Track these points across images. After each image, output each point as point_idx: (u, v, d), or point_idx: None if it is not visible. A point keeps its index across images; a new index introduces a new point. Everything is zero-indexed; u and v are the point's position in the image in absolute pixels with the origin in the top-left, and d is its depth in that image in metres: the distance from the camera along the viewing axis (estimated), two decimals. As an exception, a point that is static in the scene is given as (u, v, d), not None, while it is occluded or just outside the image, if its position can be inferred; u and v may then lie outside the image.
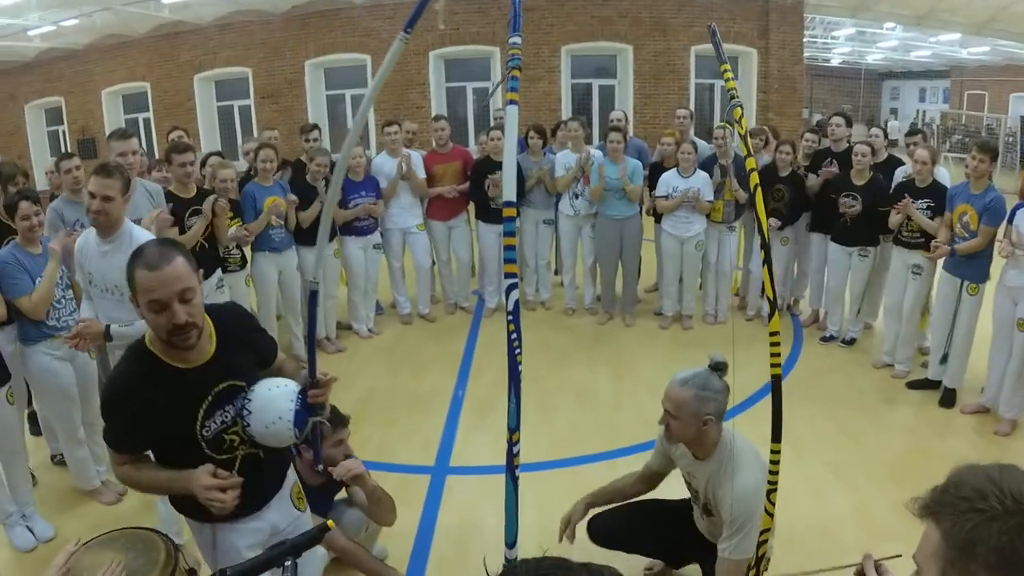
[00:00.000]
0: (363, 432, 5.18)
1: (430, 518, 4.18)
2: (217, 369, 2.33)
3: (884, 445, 4.88)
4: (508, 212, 2.49)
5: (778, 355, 2.39)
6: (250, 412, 2.33)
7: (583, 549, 3.13)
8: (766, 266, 2.43)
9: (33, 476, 4.39)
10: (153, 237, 3.40)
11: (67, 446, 4.40)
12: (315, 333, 2.64)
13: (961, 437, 5.04)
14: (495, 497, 3.12)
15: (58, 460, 4.81)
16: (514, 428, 2.55)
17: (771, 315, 2.44)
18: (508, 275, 2.56)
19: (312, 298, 2.71)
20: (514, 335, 2.45)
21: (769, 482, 2.48)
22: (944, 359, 5.58)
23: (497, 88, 3.28)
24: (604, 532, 3.35)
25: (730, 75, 2.49)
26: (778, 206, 6.69)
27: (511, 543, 2.64)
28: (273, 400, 2.35)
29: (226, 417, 2.35)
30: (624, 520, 3.35)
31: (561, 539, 3.14)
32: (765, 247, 2.47)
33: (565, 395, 5.81)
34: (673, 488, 3.35)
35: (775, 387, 2.40)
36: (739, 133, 2.43)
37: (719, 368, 2.85)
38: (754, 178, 2.48)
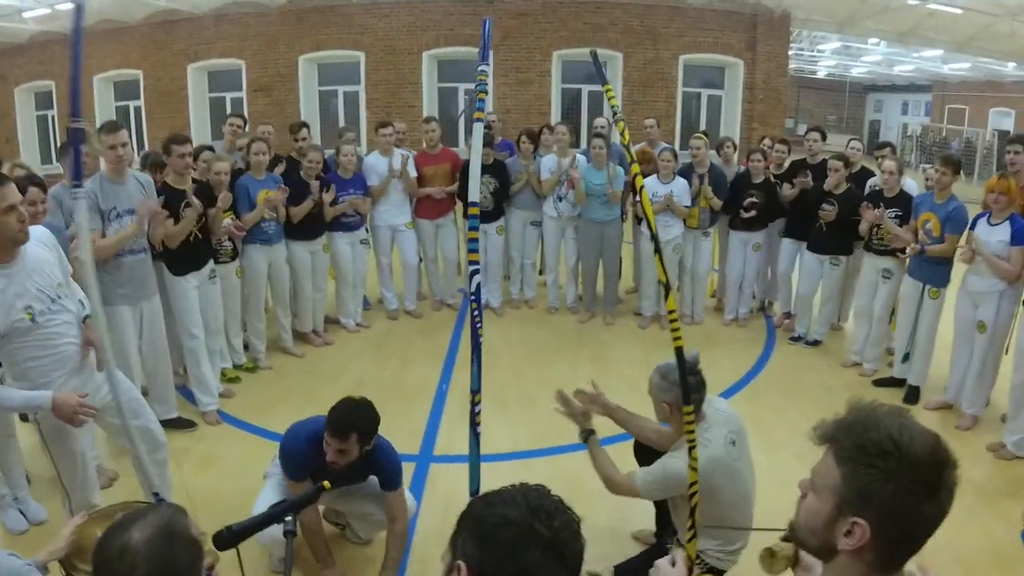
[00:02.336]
0: (351, 420, 5.37)
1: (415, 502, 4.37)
2: None
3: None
4: (472, 211, 3.08)
5: (678, 330, 2.78)
6: None
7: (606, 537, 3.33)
8: (657, 255, 2.89)
9: (27, 475, 4.36)
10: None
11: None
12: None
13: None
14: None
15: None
16: (476, 390, 3.06)
17: (666, 295, 2.88)
18: (471, 263, 3.07)
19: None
20: (476, 312, 2.99)
21: (687, 441, 2.81)
22: (907, 357, 5.89)
23: (467, 108, 3.60)
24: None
25: (612, 93, 2.94)
26: (752, 212, 6.97)
27: (475, 491, 3.01)
28: None
29: None
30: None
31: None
32: (655, 238, 2.89)
33: (546, 389, 5.93)
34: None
35: (679, 357, 2.74)
36: (622, 144, 2.86)
37: (695, 363, 3.14)
38: (639, 181, 2.95)
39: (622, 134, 2.84)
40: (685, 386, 2.78)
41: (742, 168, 7.27)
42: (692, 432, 2.79)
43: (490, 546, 1.34)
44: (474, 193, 3.07)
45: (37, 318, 3.10)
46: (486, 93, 2.95)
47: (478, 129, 2.95)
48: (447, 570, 1.41)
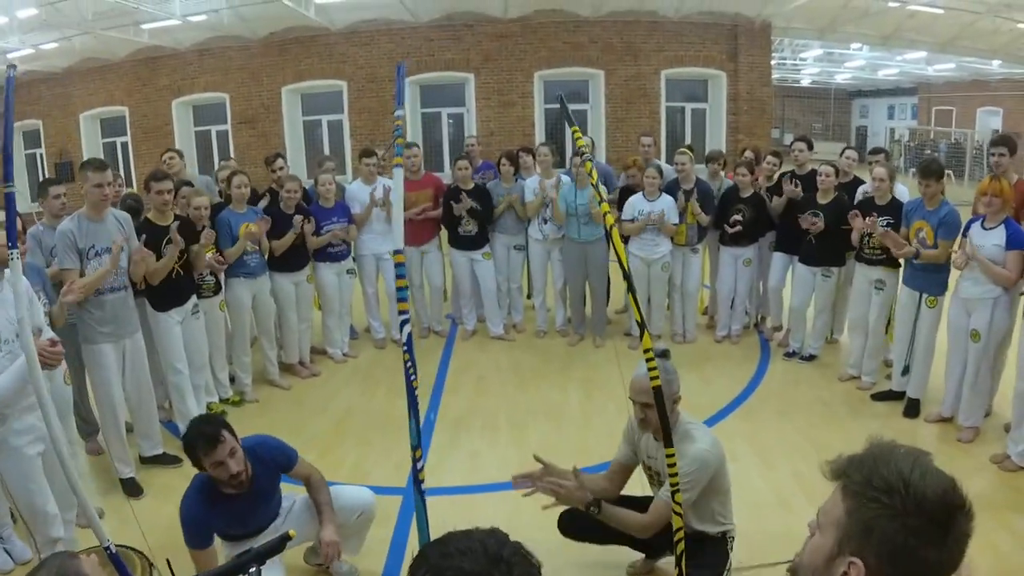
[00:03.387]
0: (338, 453, 5.28)
1: (402, 536, 4.27)
2: None
3: (849, 456, 4.99)
4: (398, 259, 3.01)
5: (655, 368, 2.79)
6: None
7: (554, 540, 3.29)
8: (630, 293, 2.92)
9: (12, 513, 4.26)
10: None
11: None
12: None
13: (926, 445, 4.92)
14: (465, 515, 3.23)
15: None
16: (416, 445, 2.88)
17: (641, 335, 2.87)
18: (401, 312, 2.98)
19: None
20: (409, 363, 2.87)
21: (671, 484, 2.85)
22: (906, 370, 5.73)
23: (390, 148, 3.58)
24: (573, 524, 3.54)
25: (579, 134, 3.01)
26: (739, 226, 6.88)
27: None
28: None
29: None
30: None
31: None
32: (628, 278, 2.93)
33: (536, 414, 5.91)
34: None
35: (658, 399, 2.77)
36: (591, 183, 2.90)
37: (665, 355, 3.20)
38: (609, 220, 3.01)
39: (590, 174, 2.91)
40: (667, 427, 2.85)
41: (729, 182, 7.19)
42: (675, 475, 2.86)
43: None
44: (398, 240, 3.02)
45: (1, 346, 3.34)
46: (403, 138, 2.99)
47: (398, 173, 2.97)
48: None
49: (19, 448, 3.50)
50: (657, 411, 2.87)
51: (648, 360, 2.77)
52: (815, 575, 1.34)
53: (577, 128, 2.95)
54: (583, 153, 2.93)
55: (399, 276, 3.02)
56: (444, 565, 1.28)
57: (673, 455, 2.90)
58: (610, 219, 2.99)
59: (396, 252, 3.00)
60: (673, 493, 2.99)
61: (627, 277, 2.82)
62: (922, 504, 1.21)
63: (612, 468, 3.65)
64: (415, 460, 2.86)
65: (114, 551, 2.68)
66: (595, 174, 2.93)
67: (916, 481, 1.23)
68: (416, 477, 2.85)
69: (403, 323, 2.92)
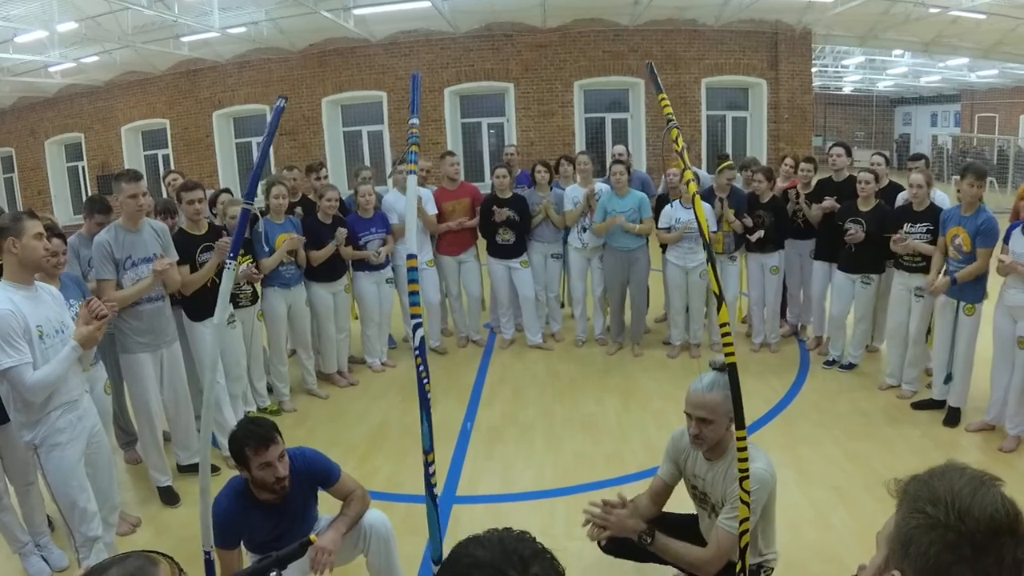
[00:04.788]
0: (373, 463, 5.29)
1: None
2: None
3: (890, 467, 4.85)
4: (411, 263, 2.95)
5: (730, 344, 2.64)
6: None
7: (589, 553, 3.18)
8: (709, 264, 2.75)
9: (50, 520, 4.43)
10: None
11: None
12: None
13: (966, 456, 5.05)
14: (499, 523, 3.19)
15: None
16: (428, 450, 2.84)
17: (719, 307, 2.71)
18: (413, 316, 2.94)
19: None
20: (422, 367, 2.84)
21: (740, 470, 2.67)
22: (949, 378, 5.62)
23: (404, 156, 3.64)
24: (612, 541, 3.35)
25: (667, 102, 2.83)
26: (761, 231, 6.84)
27: (436, 559, 2.87)
28: None
29: None
30: None
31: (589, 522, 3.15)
32: (708, 247, 2.77)
33: (572, 425, 5.88)
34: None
35: (732, 375, 2.60)
36: (676, 151, 2.72)
37: (724, 369, 2.91)
38: (691, 188, 2.83)
39: (675, 140, 2.75)
40: (739, 410, 2.70)
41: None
42: (746, 461, 2.69)
43: None
44: (411, 245, 2.98)
45: (45, 338, 3.48)
46: (418, 145, 2.97)
47: (412, 180, 2.94)
48: None
49: (61, 445, 3.57)
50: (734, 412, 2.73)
51: (724, 336, 2.67)
52: None
53: (665, 96, 2.86)
54: (670, 120, 2.78)
55: (411, 281, 2.99)
56: (461, 552, 1.32)
57: (746, 473, 2.69)
58: (692, 187, 2.90)
59: (410, 256, 2.96)
60: (741, 522, 2.80)
61: (708, 247, 2.72)
62: (964, 519, 1.16)
63: (654, 487, 3.44)
64: (427, 464, 2.83)
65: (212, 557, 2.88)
66: (680, 141, 2.79)
67: (964, 496, 1.19)
68: (428, 482, 2.83)
69: (415, 327, 2.90)
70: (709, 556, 2.93)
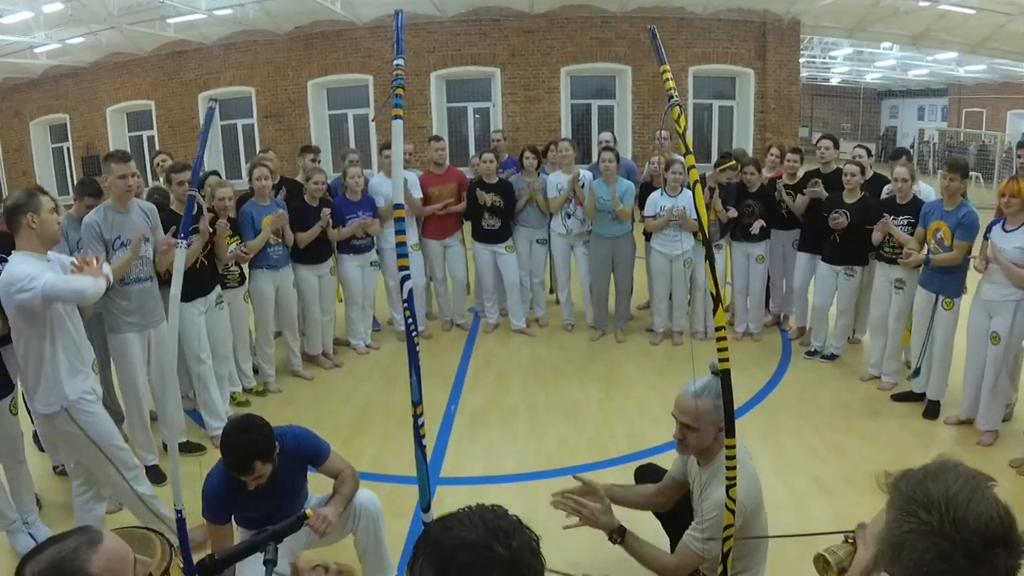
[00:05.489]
0: (358, 444, 5.32)
1: (419, 527, 4.29)
2: None
3: (868, 458, 4.95)
4: (399, 213, 2.91)
5: (725, 348, 2.55)
6: None
7: (570, 534, 3.16)
8: (708, 262, 2.64)
9: (38, 498, 4.48)
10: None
11: (68, 457, 4.49)
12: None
13: (944, 447, 5.11)
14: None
15: (60, 471, 4.92)
16: (417, 402, 2.81)
17: (714, 310, 2.58)
18: (401, 268, 2.88)
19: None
20: (411, 320, 2.81)
21: (727, 478, 2.60)
22: (916, 372, 5.71)
23: (388, 100, 3.55)
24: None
25: (669, 76, 2.70)
26: (749, 220, 6.89)
27: (425, 507, 2.87)
28: None
29: None
30: None
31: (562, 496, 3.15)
32: (707, 242, 2.64)
33: (555, 410, 5.92)
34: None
35: (725, 381, 2.53)
36: (677, 131, 2.60)
37: (720, 374, 2.80)
38: (693, 174, 2.68)
39: (677, 120, 2.63)
40: (730, 417, 2.59)
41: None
42: (733, 468, 2.59)
43: (449, 570, 1.29)
44: (398, 194, 2.92)
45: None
46: (403, 88, 2.84)
47: (397, 126, 2.84)
48: None
49: (91, 403, 3.82)
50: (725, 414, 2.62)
51: (720, 340, 2.58)
52: None
53: (667, 68, 2.74)
54: (672, 97, 2.65)
55: (399, 232, 2.94)
56: (445, 536, 1.33)
57: (733, 481, 2.61)
58: (694, 174, 2.73)
59: (397, 207, 2.91)
60: (726, 528, 2.70)
61: (707, 242, 2.60)
62: (959, 527, 1.15)
63: (665, 480, 3.39)
64: (416, 416, 2.81)
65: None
66: (684, 120, 2.67)
67: (960, 503, 1.17)
68: (417, 433, 2.82)
69: (403, 279, 2.85)
70: (673, 565, 2.92)
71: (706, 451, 2.97)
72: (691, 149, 2.70)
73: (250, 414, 3.19)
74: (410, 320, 2.83)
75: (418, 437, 2.81)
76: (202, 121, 16.36)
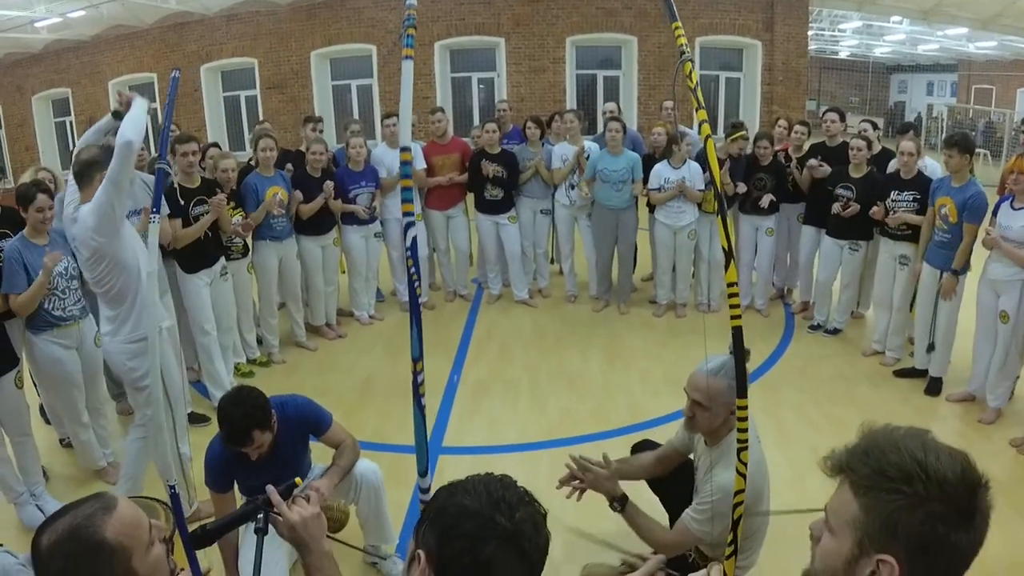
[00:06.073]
0: (361, 415, 5.34)
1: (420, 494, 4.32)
2: None
3: (868, 432, 4.94)
4: (404, 156, 2.80)
5: (737, 305, 2.43)
6: None
7: (571, 505, 3.16)
8: (719, 216, 2.54)
9: (44, 471, 4.52)
10: None
11: (72, 429, 4.55)
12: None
13: (945, 424, 5.14)
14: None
15: (66, 443, 4.96)
16: (417, 358, 2.75)
17: (726, 266, 2.45)
18: (406, 214, 2.81)
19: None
20: (413, 269, 2.77)
21: (739, 440, 2.51)
22: (931, 347, 5.65)
23: (399, 40, 3.53)
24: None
25: (681, 32, 2.59)
26: (760, 194, 6.82)
27: (422, 472, 2.85)
28: None
29: None
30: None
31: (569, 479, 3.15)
32: (720, 199, 2.57)
33: (556, 380, 5.94)
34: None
35: (736, 339, 2.40)
36: (688, 87, 2.49)
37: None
38: (705, 129, 2.55)
39: (689, 76, 2.51)
40: (742, 374, 2.43)
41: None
42: (745, 432, 2.47)
43: (449, 537, 1.32)
44: (406, 135, 2.80)
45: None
46: (415, 28, 2.75)
47: (407, 67, 2.72)
48: (408, 559, 1.39)
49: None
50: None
51: (732, 296, 2.42)
52: None
53: (679, 25, 2.62)
54: (684, 53, 2.54)
55: (404, 176, 2.88)
56: (448, 503, 1.36)
57: (745, 444, 2.47)
58: (710, 144, 2.65)
59: (403, 149, 2.80)
60: (736, 493, 2.52)
61: (720, 199, 2.54)
62: (944, 487, 1.14)
63: (664, 450, 3.34)
64: (415, 373, 2.74)
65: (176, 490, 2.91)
66: (695, 76, 2.53)
67: (933, 464, 1.15)
68: (416, 391, 2.76)
69: (407, 226, 2.77)
70: (669, 541, 2.88)
71: (715, 432, 2.90)
72: (703, 104, 2.60)
73: (243, 385, 3.18)
74: (413, 270, 2.79)
75: (417, 396, 2.76)
76: (203, 92, 16.35)
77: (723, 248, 2.48)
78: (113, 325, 3.95)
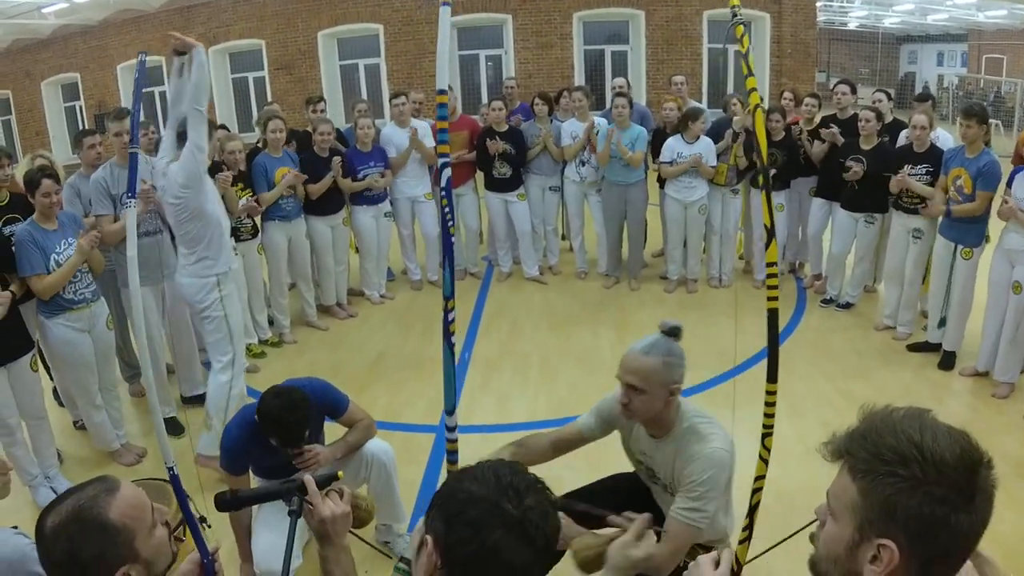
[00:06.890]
0: (372, 393, 5.35)
1: (434, 473, 4.35)
2: None
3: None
4: (441, 99, 2.84)
5: (775, 287, 2.39)
6: None
7: (583, 481, 3.13)
8: (763, 191, 2.59)
9: (59, 453, 4.57)
10: None
11: (86, 411, 4.57)
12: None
13: (958, 399, 5.12)
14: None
15: (80, 425, 4.99)
16: (449, 296, 2.83)
17: (767, 244, 2.43)
18: (441, 155, 2.89)
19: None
20: (447, 209, 2.85)
21: (764, 425, 2.49)
22: (943, 322, 5.61)
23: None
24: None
25: None
26: (772, 168, 6.73)
27: (450, 410, 2.94)
28: None
29: None
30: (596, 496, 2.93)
31: None
32: (765, 174, 2.68)
33: (567, 357, 5.93)
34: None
35: (772, 321, 2.33)
36: (741, 51, 2.42)
37: (674, 333, 2.58)
38: (754, 98, 2.54)
39: (740, 40, 2.42)
40: (774, 360, 2.34)
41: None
42: (772, 416, 2.45)
43: (456, 523, 1.33)
44: (443, 77, 2.86)
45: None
46: None
47: (444, 12, 2.77)
48: (417, 544, 1.40)
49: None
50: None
51: (771, 276, 2.42)
52: (837, 565, 1.24)
53: None
54: (736, 16, 2.44)
55: (440, 118, 2.91)
56: (456, 488, 1.37)
57: (770, 429, 2.47)
58: (759, 115, 2.60)
59: (441, 92, 2.82)
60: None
61: (764, 171, 2.60)
62: (942, 468, 1.12)
63: (564, 433, 3.00)
64: (447, 311, 2.78)
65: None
66: (747, 40, 2.45)
67: (930, 445, 1.13)
68: (447, 330, 2.83)
69: (443, 167, 2.83)
70: (667, 551, 2.44)
71: (657, 421, 2.64)
72: (752, 71, 2.52)
73: (288, 389, 3.09)
74: (447, 209, 2.88)
75: (447, 333, 2.83)
76: (211, 74, 16.25)
77: (765, 226, 2.42)
78: (188, 261, 4.37)
